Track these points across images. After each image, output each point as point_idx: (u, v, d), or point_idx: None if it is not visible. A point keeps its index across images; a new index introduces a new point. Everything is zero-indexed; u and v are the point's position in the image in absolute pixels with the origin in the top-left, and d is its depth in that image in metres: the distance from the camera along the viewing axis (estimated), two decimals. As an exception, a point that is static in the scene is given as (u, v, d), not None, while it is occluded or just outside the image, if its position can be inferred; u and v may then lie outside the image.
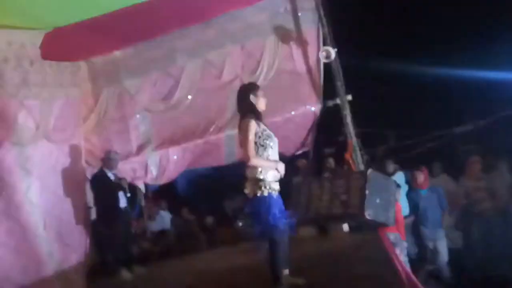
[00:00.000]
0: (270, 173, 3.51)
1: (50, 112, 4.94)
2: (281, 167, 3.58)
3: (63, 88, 5.31)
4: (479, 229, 4.28)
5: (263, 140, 3.51)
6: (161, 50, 5.88)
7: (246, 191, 3.57)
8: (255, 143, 3.47)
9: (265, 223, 3.55)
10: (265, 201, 3.51)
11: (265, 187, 3.50)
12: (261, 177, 3.49)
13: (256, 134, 3.48)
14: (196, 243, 5.32)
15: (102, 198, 4.94)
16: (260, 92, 3.66)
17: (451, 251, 4.34)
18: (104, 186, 4.99)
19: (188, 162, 5.89)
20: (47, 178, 4.50)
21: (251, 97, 3.62)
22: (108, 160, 5.15)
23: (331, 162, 6.00)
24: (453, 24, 5.31)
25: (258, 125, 3.53)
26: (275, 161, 3.56)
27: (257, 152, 3.49)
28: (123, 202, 5.02)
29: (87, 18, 4.62)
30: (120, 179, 5.17)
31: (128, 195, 5.10)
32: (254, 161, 3.46)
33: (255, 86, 3.76)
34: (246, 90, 3.67)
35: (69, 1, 4.34)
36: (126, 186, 5.13)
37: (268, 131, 3.57)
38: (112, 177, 5.10)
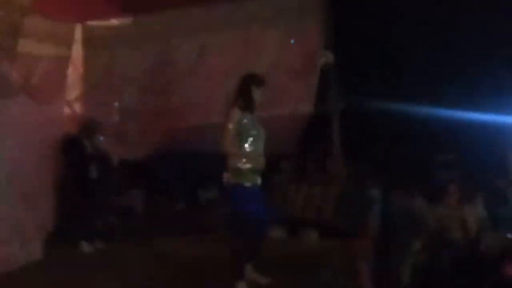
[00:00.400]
0: (249, 163, 3.45)
1: (35, 68, 4.77)
2: (260, 160, 3.51)
3: (53, 47, 5.15)
4: (448, 257, 4.33)
5: (246, 129, 3.45)
6: (159, 26, 5.79)
7: (224, 179, 3.52)
8: (237, 130, 3.42)
9: (236, 214, 3.52)
10: (240, 191, 3.47)
11: (241, 177, 3.45)
12: (239, 166, 3.43)
13: (239, 122, 3.43)
14: (164, 227, 5.23)
15: (72, 165, 4.81)
16: (263, 87, 3.59)
17: (415, 275, 4.39)
18: (76, 153, 4.87)
19: (169, 143, 5.79)
20: (20, 135, 4.34)
21: (253, 88, 3.55)
22: (86, 128, 5.02)
23: (312, 167, 5.98)
24: (442, 61, 5.43)
25: (244, 113, 3.47)
26: (255, 154, 3.49)
27: (239, 140, 3.43)
28: (93, 173, 4.88)
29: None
30: (96, 149, 5.04)
31: (101, 166, 4.97)
32: (226, 148, 3.42)
33: (261, 79, 3.65)
34: (250, 80, 3.58)
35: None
36: (100, 158, 5.00)
37: (252, 122, 3.50)
38: (87, 146, 4.96)
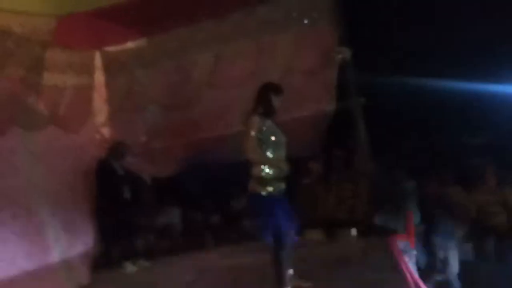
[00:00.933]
0: (272, 170, 3.46)
1: (60, 99, 4.88)
2: (284, 167, 3.52)
3: (75, 76, 5.26)
4: (492, 244, 4.22)
5: (267, 136, 3.47)
6: (175, 43, 5.84)
7: (250, 189, 3.54)
8: (259, 139, 3.44)
9: (266, 223, 3.52)
10: (265, 200, 3.47)
11: (266, 185, 3.46)
12: (263, 174, 3.44)
13: (260, 129, 3.45)
14: (201, 241, 5.27)
15: (105, 189, 4.89)
16: (281, 95, 3.64)
17: (461, 263, 4.30)
18: (108, 176, 4.95)
19: (195, 157, 5.84)
20: (53, 164, 4.45)
21: (272, 96, 3.59)
22: (115, 150, 5.11)
23: (339, 165, 5.93)
24: (475, 35, 5.26)
25: (265, 121, 3.50)
26: (277, 160, 3.51)
27: (260, 148, 3.45)
28: (127, 194, 4.95)
29: (102, 5, 4.56)
30: (127, 171, 5.12)
31: (133, 187, 5.04)
32: (251, 155, 3.44)
33: (280, 88, 3.71)
34: (269, 89, 3.64)
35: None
36: (132, 179, 5.08)
37: (274, 128, 3.53)
38: (117, 168, 5.05)
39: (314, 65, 6.09)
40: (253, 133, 3.43)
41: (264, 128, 3.47)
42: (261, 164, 3.46)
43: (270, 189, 3.47)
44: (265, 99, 3.58)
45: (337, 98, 6.03)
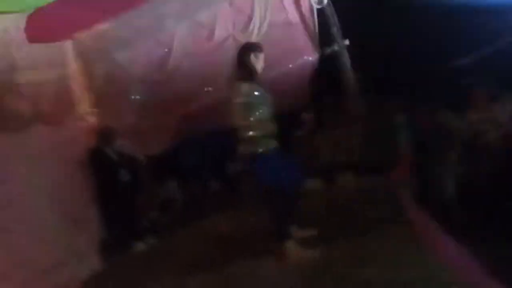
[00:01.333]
0: (260, 131, 3.48)
1: (41, 95, 4.89)
2: (271, 126, 3.54)
3: (53, 70, 5.24)
4: (485, 162, 4.18)
5: (255, 100, 3.48)
6: (149, 18, 5.73)
7: (242, 150, 3.55)
8: (246, 104, 3.45)
9: (262, 181, 3.55)
10: (258, 159, 3.48)
11: (255, 145, 3.47)
12: (252, 133, 3.44)
13: (247, 96, 3.46)
14: (203, 209, 5.35)
15: (101, 176, 4.95)
16: (261, 53, 3.61)
17: (457, 185, 4.29)
18: (102, 163, 4.99)
19: (186, 128, 5.85)
20: (45, 162, 4.51)
21: (252, 57, 3.56)
22: (104, 136, 5.13)
23: (331, 111, 5.88)
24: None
25: (250, 84, 3.48)
26: (265, 122, 3.52)
27: (247, 112, 3.45)
28: (124, 177, 5.01)
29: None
30: (120, 154, 5.17)
31: (128, 169, 5.10)
32: (237, 122, 3.48)
33: (257, 46, 3.68)
34: (247, 50, 3.61)
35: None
36: (126, 160, 5.13)
37: (261, 91, 3.51)
38: (110, 154, 5.09)
39: (293, 16, 5.98)
40: (239, 99, 3.45)
41: (253, 95, 3.47)
42: (247, 127, 3.48)
43: (260, 148, 3.48)
44: (245, 62, 3.55)
45: (320, 44, 5.95)
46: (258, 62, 3.58)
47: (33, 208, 4.22)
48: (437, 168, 4.12)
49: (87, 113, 5.47)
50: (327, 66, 5.87)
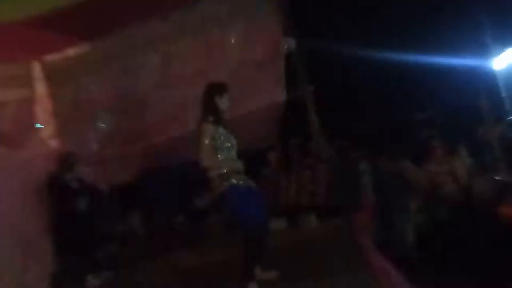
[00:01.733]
0: (227, 168, 3.49)
1: (1, 114, 4.68)
2: (238, 164, 3.57)
3: (15, 89, 5.06)
4: (445, 212, 4.44)
5: (221, 142, 3.50)
6: (119, 46, 5.71)
7: (211, 191, 3.56)
8: (212, 145, 3.47)
9: (235, 215, 3.54)
10: (227, 195, 3.49)
11: (227, 179, 3.47)
12: (219, 172, 3.47)
13: (213, 136, 3.47)
14: (166, 243, 5.21)
15: (59, 203, 4.73)
16: (227, 93, 3.62)
17: (417, 234, 4.49)
18: (61, 190, 4.80)
19: (152, 160, 5.75)
20: (1, 185, 4.26)
21: (216, 98, 3.58)
22: (65, 162, 4.94)
23: (296, 153, 6.02)
24: (417, 9, 5.44)
25: (217, 127, 3.52)
26: (231, 161, 3.55)
27: (215, 153, 3.48)
28: (82, 206, 4.83)
29: (36, 13, 4.38)
30: (79, 181, 4.98)
31: (88, 197, 4.91)
32: (206, 163, 3.47)
33: (222, 86, 3.68)
34: (212, 91, 3.61)
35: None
36: (86, 188, 4.95)
37: (225, 134, 3.55)
38: (70, 180, 4.90)
39: (263, 57, 6.14)
40: (206, 141, 3.45)
41: (217, 135, 3.50)
42: (216, 167, 3.49)
43: (232, 181, 3.49)
44: (209, 102, 3.57)
45: (287, 88, 6.12)
46: (223, 102, 3.59)
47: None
48: (397, 215, 4.31)
49: (49, 137, 5.26)
50: (293, 109, 6.05)
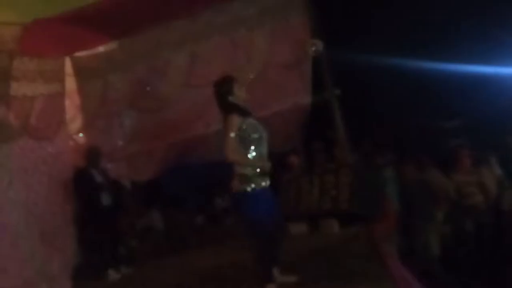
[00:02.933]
0: (254, 168, 3.44)
1: (31, 108, 4.79)
2: (266, 164, 3.50)
3: (45, 84, 5.17)
4: (471, 224, 4.29)
5: (248, 134, 3.43)
6: (147, 44, 5.78)
7: (232, 187, 3.51)
8: (240, 137, 3.39)
9: (250, 220, 3.50)
10: (248, 197, 3.45)
11: (248, 183, 3.43)
12: (245, 172, 3.42)
13: (240, 128, 3.40)
14: (184, 242, 5.24)
15: (85, 197, 4.83)
16: (236, 87, 3.54)
17: (441, 245, 4.36)
18: (86, 184, 4.88)
19: (175, 158, 5.80)
20: (28, 176, 4.37)
21: (230, 91, 3.52)
22: (91, 157, 5.04)
23: (320, 157, 5.95)
24: (446, 18, 5.32)
25: (244, 118, 3.45)
26: (259, 158, 3.48)
27: (242, 147, 3.40)
28: (106, 201, 4.90)
29: (68, 10, 4.47)
30: (104, 176, 5.07)
31: (112, 193, 4.99)
32: (231, 157, 3.39)
33: (229, 85, 3.57)
34: (222, 93, 3.54)
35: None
36: (110, 184, 5.02)
37: (255, 124, 3.48)
38: (95, 175, 4.99)
39: (289, 59, 6.09)
40: (232, 134, 3.37)
41: (244, 127, 3.42)
42: (242, 164, 3.43)
43: (253, 185, 3.45)
44: (226, 98, 3.50)
45: (313, 91, 6.06)
46: (238, 95, 3.50)
47: (7, 223, 4.04)
48: (422, 225, 4.19)
49: (76, 132, 5.37)
50: (318, 112, 5.99)
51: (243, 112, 3.50)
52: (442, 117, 5.26)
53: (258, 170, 3.46)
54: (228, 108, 3.50)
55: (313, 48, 5.74)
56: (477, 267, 3.67)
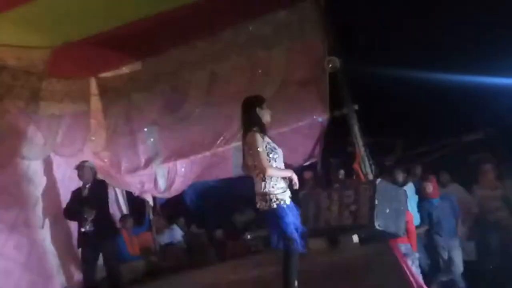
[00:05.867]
0: (277, 185, 3.45)
1: (58, 127, 4.98)
2: (294, 175, 3.52)
3: (71, 104, 5.38)
4: (496, 239, 4.17)
5: (268, 153, 3.44)
6: (169, 64, 5.94)
7: (257, 205, 3.54)
8: (264, 151, 3.39)
9: (280, 235, 3.50)
10: (275, 213, 3.45)
11: (272, 200, 3.46)
12: (266, 190, 3.45)
13: (264, 144, 3.41)
14: (205, 257, 5.25)
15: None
16: (265, 105, 3.60)
17: (465, 262, 4.24)
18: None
19: (196, 174, 5.88)
20: (55, 192, 4.51)
21: (257, 110, 3.57)
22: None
23: (339, 172, 5.93)
24: (463, 30, 5.28)
25: (263, 138, 3.48)
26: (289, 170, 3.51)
27: (266, 160, 3.38)
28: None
29: (93, 33, 4.66)
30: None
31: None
32: (270, 171, 3.37)
33: (261, 98, 3.67)
34: (252, 103, 3.60)
35: (77, 17, 4.38)
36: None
37: (272, 144, 3.51)
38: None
39: (307, 76, 6.14)
40: (260, 148, 3.38)
41: (265, 144, 3.46)
42: (267, 180, 3.41)
43: (274, 202, 3.46)
44: (253, 114, 3.55)
45: (331, 106, 6.08)
46: (264, 114, 3.53)
47: (35, 238, 4.16)
48: (445, 241, 4.09)
49: (100, 149, 5.52)
50: (336, 127, 5.99)
51: (263, 130, 3.57)
52: (464, 131, 5.18)
53: (282, 185, 3.47)
54: (253, 123, 3.52)
55: (330, 65, 5.76)
56: (502, 284, 3.56)
